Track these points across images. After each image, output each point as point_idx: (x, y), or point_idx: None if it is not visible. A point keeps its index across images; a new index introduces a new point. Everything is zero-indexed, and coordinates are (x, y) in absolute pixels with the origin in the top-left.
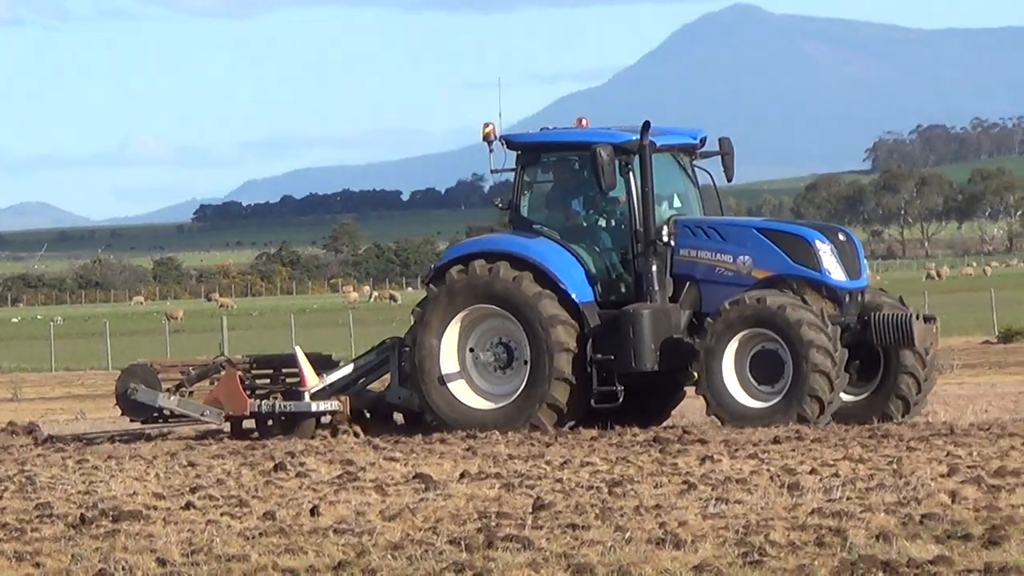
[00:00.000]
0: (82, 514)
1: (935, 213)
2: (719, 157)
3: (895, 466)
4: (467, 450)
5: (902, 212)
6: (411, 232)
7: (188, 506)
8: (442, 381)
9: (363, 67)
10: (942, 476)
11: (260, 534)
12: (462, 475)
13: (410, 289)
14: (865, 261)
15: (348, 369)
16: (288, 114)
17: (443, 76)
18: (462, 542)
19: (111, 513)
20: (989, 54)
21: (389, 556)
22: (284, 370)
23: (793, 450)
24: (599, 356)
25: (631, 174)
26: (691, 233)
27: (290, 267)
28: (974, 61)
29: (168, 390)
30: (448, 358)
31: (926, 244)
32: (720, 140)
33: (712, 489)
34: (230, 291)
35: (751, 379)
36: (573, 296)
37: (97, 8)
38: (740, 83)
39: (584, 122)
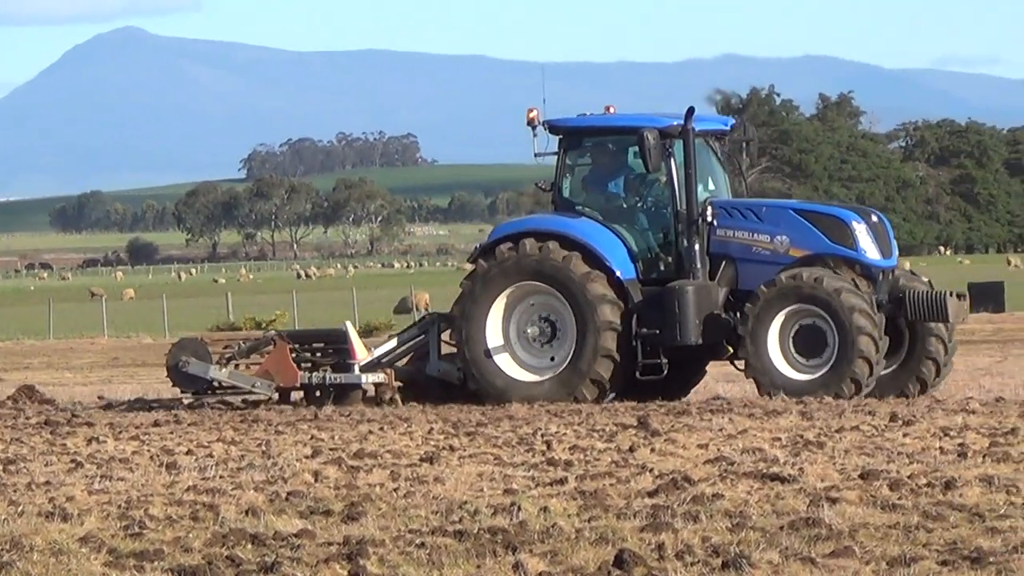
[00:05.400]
0: None
1: (304, 218)
2: (743, 143)
3: (264, 448)
4: None
5: (274, 217)
6: None
7: None
8: (488, 353)
9: None
10: (307, 457)
11: None
12: None
13: None
14: (895, 242)
15: (393, 343)
16: None
17: None
18: None
19: None
20: (350, 74)
21: None
22: (323, 345)
23: (172, 432)
24: (644, 331)
25: (672, 158)
26: (727, 214)
27: None
28: (337, 80)
29: (219, 362)
30: (493, 331)
31: (295, 247)
32: (745, 126)
33: (98, 467)
34: None
35: (793, 351)
36: (618, 274)
37: None
38: (130, 98)
39: (611, 109)
